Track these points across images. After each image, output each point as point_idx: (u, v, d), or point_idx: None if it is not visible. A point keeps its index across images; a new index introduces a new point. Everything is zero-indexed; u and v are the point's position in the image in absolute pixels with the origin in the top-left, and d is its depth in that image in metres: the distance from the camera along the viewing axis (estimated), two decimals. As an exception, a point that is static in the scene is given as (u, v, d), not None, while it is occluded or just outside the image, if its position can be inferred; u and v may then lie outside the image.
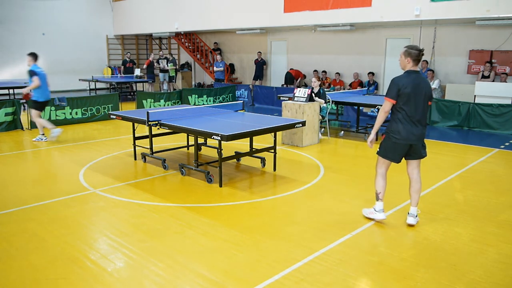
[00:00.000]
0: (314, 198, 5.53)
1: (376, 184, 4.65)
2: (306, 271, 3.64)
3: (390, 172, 6.71)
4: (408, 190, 4.68)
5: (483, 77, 11.37)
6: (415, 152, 4.49)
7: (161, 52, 18.10)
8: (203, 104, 13.78)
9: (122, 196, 5.53)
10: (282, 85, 15.94)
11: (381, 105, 8.60)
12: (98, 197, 5.49)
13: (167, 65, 17.06)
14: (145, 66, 17.27)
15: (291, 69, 16.03)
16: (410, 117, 4.33)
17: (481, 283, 3.47)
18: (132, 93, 17.56)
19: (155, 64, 17.44)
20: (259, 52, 16.94)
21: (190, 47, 19.48)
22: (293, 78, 15.62)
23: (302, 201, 5.40)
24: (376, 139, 4.71)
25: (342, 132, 9.80)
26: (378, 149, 4.64)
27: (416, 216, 4.63)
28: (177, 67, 17.94)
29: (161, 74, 17.23)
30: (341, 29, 13.70)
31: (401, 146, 4.41)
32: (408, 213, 4.65)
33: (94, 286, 3.43)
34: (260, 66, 16.88)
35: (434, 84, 11.76)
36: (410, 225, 4.60)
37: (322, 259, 3.85)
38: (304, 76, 15.78)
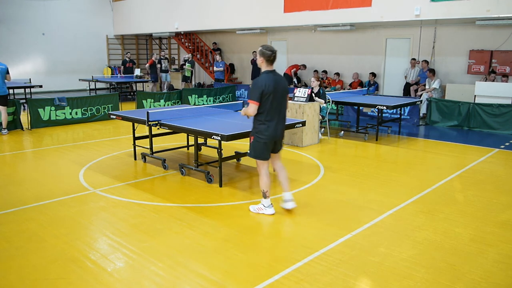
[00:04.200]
0: (314, 198, 5.53)
1: (262, 184, 4.81)
2: (306, 271, 3.64)
3: (390, 172, 6.72)
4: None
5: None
6: (277, 146, 4.85)
7: (163, 52, 18.04)
8: (203, 104, 13.78)
9: (122, 196, 5.53)
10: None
11: (381, 105, 8.69)
12: (98, 197, 5.49)
13: (186, 65, 17.11)
14: (147, 65, 17.21)
15: (286, 69, 16.00)
16: (273, 115, 4.59)
17: (481, 283, 3.47)
18: (132, 93, 17.56)
19: (157, 64, 17.40)
20: (254, 52, 16.96)
21: (190, 47, 19.48)
22: (290, 78, 15.62)
23: (302, 201, 5.39)
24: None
25: (342, 132, 9.79)
26: (248, 152, 4.82)
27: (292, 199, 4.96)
28: (193, 67, 17.86)
29: (163, 75, 17.20)
30: (341, 29, 13.70)
31: (269, 144, 4.69)
32: (285, 200, 4.94)
33: (94, 286, 3.43)
34: (256, 65, 16.86)
35: (435, 84, 11.74)
36: (290, 209, 4.94)
37: (322, 259, 3.85)
38: (304, 66, 15.66)
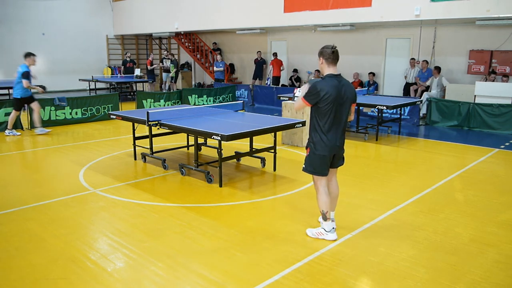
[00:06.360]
0: (314, 198, 5.50)
1: (321, 203, 4.15)
2: (306, 271, 3.64)
3: (390, 172, 6.72)
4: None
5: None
6: (337, 160, 4.26)
7: (166, 52, 18.01)
8: (203, 104, 13.77)
9: (122, 196, 5.53)
10: (282, 85, 15.95)
11: (381, 105, 8.68)
12: (98, 197, 5.49)
13: (170, 66, 17.08)
14: (148, 67, 17.19)
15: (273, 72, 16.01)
16: (333, 125, 4.04)
17: (481, 283, 3.46)
18: (132, 93, 17.56)
19: (160, 64, 17.34)
20: (258, 51, 16.95)
21: (190, 47, 19.48)
22: (279, 78, 15.70)
23: (302, 201, 5.40)
24: None
25: (342, 132, 9.79)
26: (304, 166, 4.21)
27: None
28: (178, 68, 17.81)
29: (164, 74, 17.19)
30: (341, 29, 13.70)
31: (328, 158, 4.11)
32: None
33: (94, 286, 3.43)
34: (260, 65, 16.88)
35: (444, 82, 11.80)
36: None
37: (322, 259, 3.85)
38: (275, 54, 15.75)
